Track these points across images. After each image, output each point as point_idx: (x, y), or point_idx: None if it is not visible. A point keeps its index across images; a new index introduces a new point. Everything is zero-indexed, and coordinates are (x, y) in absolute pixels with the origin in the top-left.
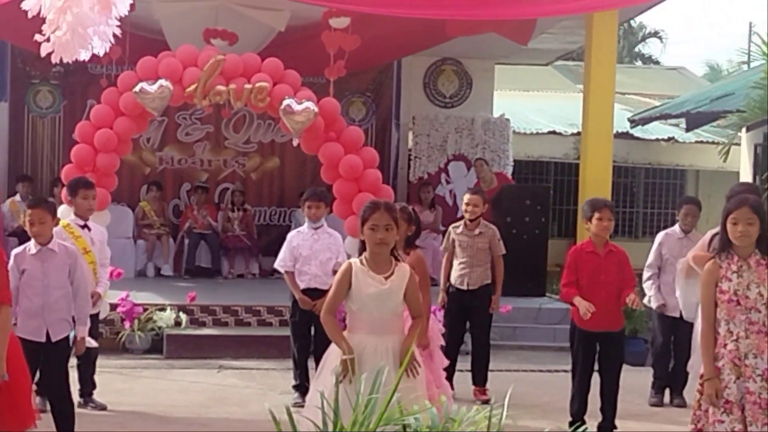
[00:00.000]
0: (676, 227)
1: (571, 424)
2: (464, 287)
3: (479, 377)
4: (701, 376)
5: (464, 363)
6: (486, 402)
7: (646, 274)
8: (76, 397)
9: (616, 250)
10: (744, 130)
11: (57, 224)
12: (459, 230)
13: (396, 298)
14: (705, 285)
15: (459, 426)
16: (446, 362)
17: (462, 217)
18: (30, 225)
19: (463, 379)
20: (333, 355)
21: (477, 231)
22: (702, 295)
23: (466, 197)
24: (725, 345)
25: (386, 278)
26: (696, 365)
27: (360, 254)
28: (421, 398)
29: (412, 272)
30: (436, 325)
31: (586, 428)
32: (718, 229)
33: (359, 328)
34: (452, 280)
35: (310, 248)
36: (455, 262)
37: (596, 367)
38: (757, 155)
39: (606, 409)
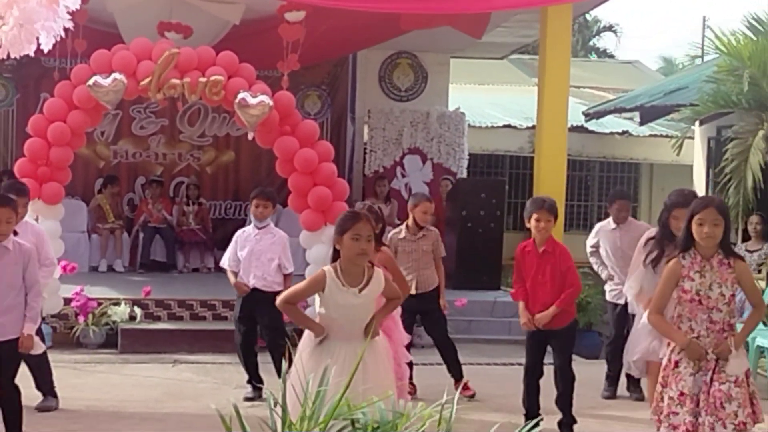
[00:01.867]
0: (610, 220)
1: (526, 418)
2: (414, 292)
3: (455, 371)
4: (664, 367)
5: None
6: (471, 397)
7: (591, 260)
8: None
9: (552, 250)
10: (697, 123)
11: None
12: (401, 236)
13: (368, 309)
14: (665, 281)
15: (408, 421)
16: (408, 357)
17: (401, 223)
18: None
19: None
20: (307, 343)
21: (420, 234)
22: (659, 290)
23: (425, 205)
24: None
25: (360, 290)
26: (644, 356)
27: (333, 261)
28: (385, 387)
29: (385, 274)
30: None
31: (541, 420)
32: (653, 232)
33: (336, 332)
34: None
35: (251, 249)
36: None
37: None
38: (710, 149)
39: (562, 404)
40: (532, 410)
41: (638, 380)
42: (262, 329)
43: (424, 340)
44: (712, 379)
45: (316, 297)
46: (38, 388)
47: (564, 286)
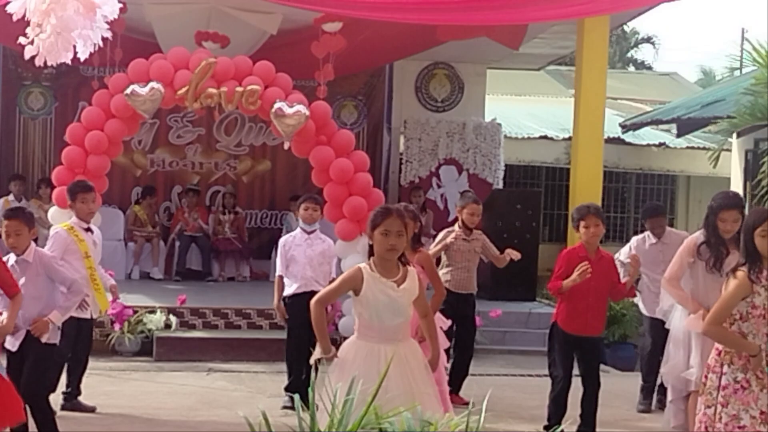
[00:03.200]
0: (648, 235)
1: (546, 428)
2: (460, 291)
3: (457, 382)
4: (724, 386)
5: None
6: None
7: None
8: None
9: (606, 257)
10: (735, 135)
11: (34, 235)
12: (459, 238)
13: (409, 305)
14: (734, 295)
15: (436, 430)
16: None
17: (453, 222)
18: (6, 236)
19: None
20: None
21: (472, 237)
22: (724, 303)
23: (472, 206)
24: (749, 358)
25: (398, 285)
26: (674, 370)
27: (368, 258)
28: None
29: (417, 273)
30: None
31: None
32: (699, 234)
33: (371, 336)
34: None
35: (304, 253)
36: (449, 267)
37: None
38: (747, 161)
39: (585, 416)
40: (554, 418)
41: (652, 391)
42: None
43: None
44: None
45: (354, 303)
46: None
47: (614, 292)
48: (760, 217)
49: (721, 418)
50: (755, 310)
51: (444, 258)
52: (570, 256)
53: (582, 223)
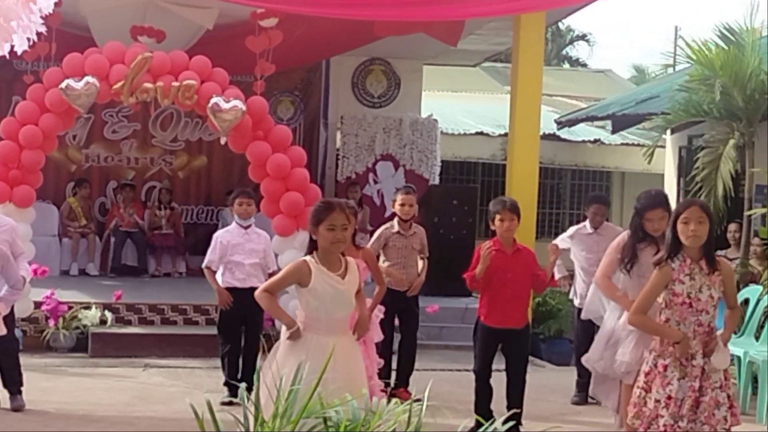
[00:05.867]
0: (586, 224)
1: (478, 422)
2: (397, 288)
3: (404, 377)
4: (648, 372)
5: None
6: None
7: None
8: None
9: (523, 250)
10: (669, 132)
11: None
12: (394, 230)
13: (351, 300)
14: (655, 285)
15: (379, 419)
16: (380, 361)
17: (391, 218)
18: None
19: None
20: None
21: (411, 231)
22: (647, 293)
23: (401, 197)
24: (674, 344)
25: (342, 278)
26: (594, 361)
27: (309, 253)
28: (358, 387)
29: (357, 265)
30: (377, 319)
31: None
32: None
33: (317, 328)
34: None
35: (242, 248)
36: (385, 264)
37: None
38: (681, 157)
39: (511, 408)
40: (483, 412)
41: (586, 385)
42: (246, 328)
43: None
44: (701, 386)
45: (298, 296)
46: (5, 385)
47: (535, 282)
48: (683, 205)
49: (646, 402)
50: (676, 297)
51: (382, 254)
52: (487, 248)
53: (498, 217)
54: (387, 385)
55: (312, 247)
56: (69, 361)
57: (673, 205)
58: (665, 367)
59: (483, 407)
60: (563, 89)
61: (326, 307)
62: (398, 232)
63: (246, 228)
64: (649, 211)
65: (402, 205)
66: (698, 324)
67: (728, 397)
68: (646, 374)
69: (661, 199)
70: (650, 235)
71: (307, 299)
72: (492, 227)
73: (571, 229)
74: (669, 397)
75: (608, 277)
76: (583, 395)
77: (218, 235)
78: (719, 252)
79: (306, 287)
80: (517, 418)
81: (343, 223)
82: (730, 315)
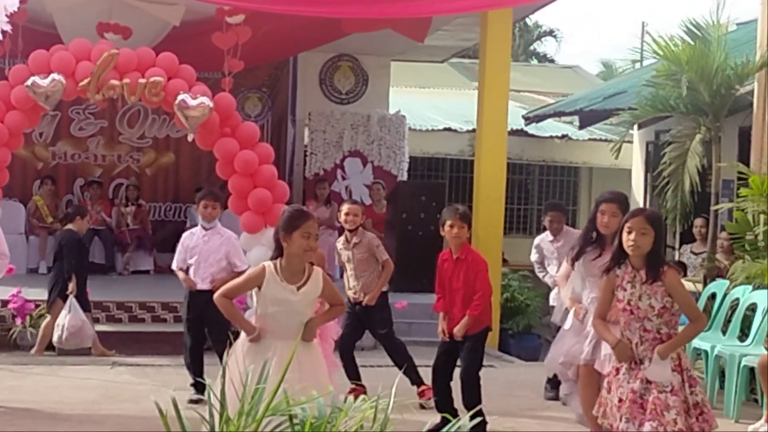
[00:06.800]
0: (548, 233)
1: (444, 419)
2: (359, 299)
3: (411, 376)
4: (608, 374)
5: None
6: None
7: (537, 272)
8: None
9: (465, 258)
10: (636, 127)
11: None
12: (339, 245)
13: (306, 309)
14: (603, 290)
15: (345, 416)
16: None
17: (341, 225)
18: None
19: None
20: (243, 342)
21: (353, 241)
22: (599, 298)
23: (345, 207)
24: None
25: (299, 288)
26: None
27: (274, 258)
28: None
29: (323, 272)
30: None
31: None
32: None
33: (264, 330)
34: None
35: (200, 250)
36: (345, 276)
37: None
38: (648, 152)
39: (467, 406)
40: (446, 411)
41: (558, 381)
42: (209, 330)
43: (364, 342)
44: (647, 388)
45: (254, 297)
46: None
47: (474, 292)
48: (631, 214)
49: (608, 403)
50: (619, 303)
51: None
52: (440, 259)
53: (448, 223)
54: (364, 388)
55: (278, 253)
56: (36, 359)
57: (640, 201)
58: (617, 370)
59: (441, 403)
60: (531, 85)
61: (273, 314)
62: (344, 243)
63: (208, 230)
64: (604, 203)
65: (347, 214)
66: (644, 330)
67: (697, 404)
68: (607, 376)
69: (619, 197)
70: (602, 235)
71: (257, 304)
72: (441, 233)
73: (536, 240)
74: (620, 400)
75: (566, 279)
76: (555, 392)
77: (183, 237)
78: (686, 246)
79: (259, 291)
80: (481, 414)
81: (316, 232)
82: (687, 326)
